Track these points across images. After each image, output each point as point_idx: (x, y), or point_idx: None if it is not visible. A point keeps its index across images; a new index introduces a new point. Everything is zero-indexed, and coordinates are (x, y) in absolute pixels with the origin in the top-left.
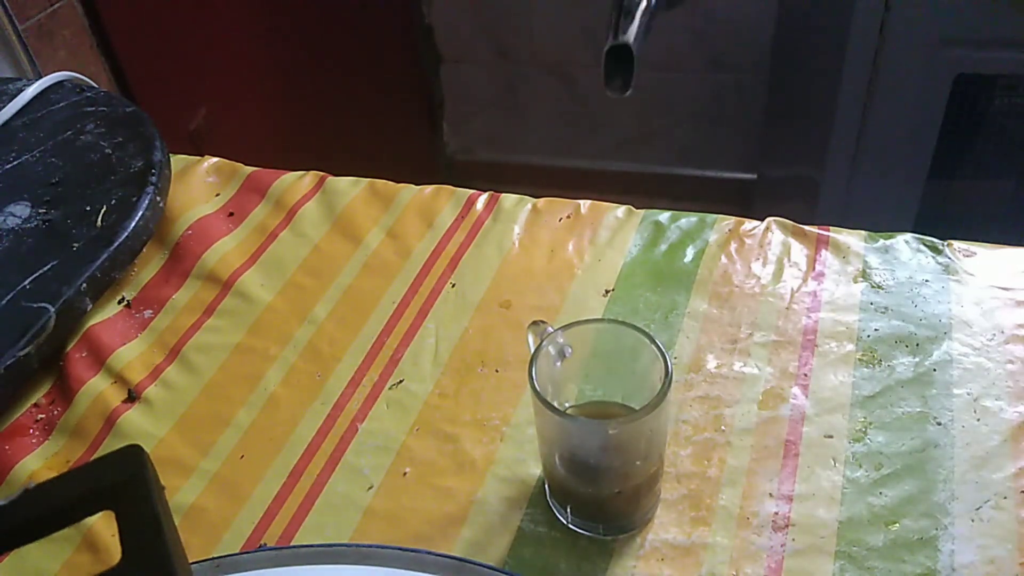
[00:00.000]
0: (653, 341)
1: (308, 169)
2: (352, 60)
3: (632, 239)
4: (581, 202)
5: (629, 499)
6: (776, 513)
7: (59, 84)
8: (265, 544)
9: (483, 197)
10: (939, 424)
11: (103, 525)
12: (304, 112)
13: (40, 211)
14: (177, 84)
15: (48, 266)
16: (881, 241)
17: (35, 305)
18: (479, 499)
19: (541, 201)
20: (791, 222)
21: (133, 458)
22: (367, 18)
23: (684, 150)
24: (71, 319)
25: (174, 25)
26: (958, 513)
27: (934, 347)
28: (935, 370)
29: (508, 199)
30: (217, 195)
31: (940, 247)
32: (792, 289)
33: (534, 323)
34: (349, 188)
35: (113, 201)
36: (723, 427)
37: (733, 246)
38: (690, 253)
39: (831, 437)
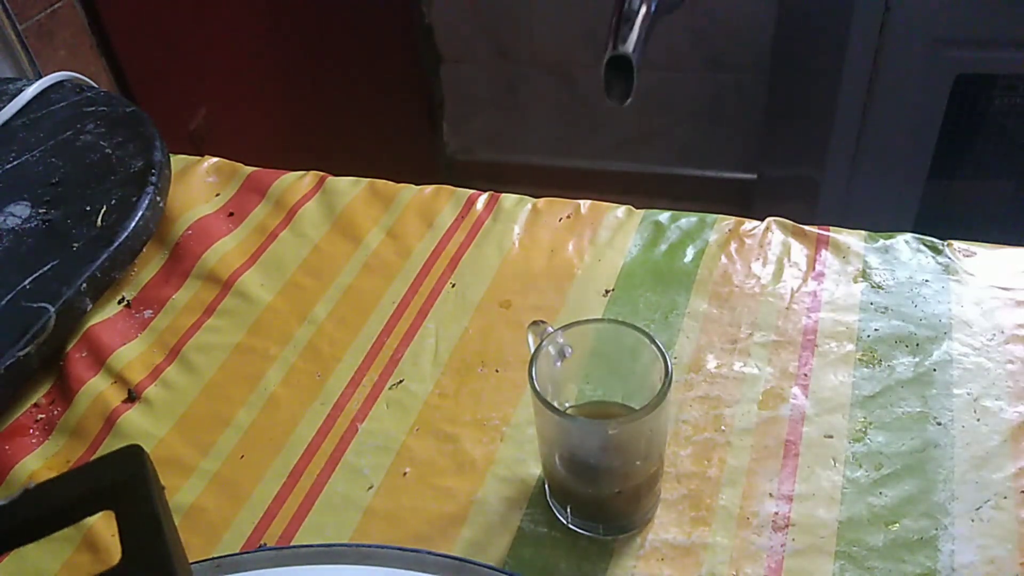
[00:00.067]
0: (653, 341)
1: (308, 169)
2: (352, 60)
3: (632, 239)
4: (581, 202)
5: (629, 499)
6: (776, 513)
7: (59, 84)
8: (265, 544)
9: (483, 197)
10: (939, 424)
11: (103, 525)
12: (304, 112)
13: (40, 211)
14: (177, 84)
15: (48, 266)
16: (881, 241)
17: (35, 305)
18: (479, 499)
19: (541, 201)
20: (791, 222)
21: (133, 458)
22: (367, 18)
23: (684, 150)
24: (71, 319)
25: (174, 25)
26: (958, 513)
27: (934, 347)
28: (935, 370)
29: (508, 199)
30: (217, 195)
31: (940, 247)
32: (792, 289)
33: (534, 323)
34: (349, 188)
35: (113, 201)
36: (723, 427)
37: (733, 246)
38: (690, 253)
39: (831, 437)
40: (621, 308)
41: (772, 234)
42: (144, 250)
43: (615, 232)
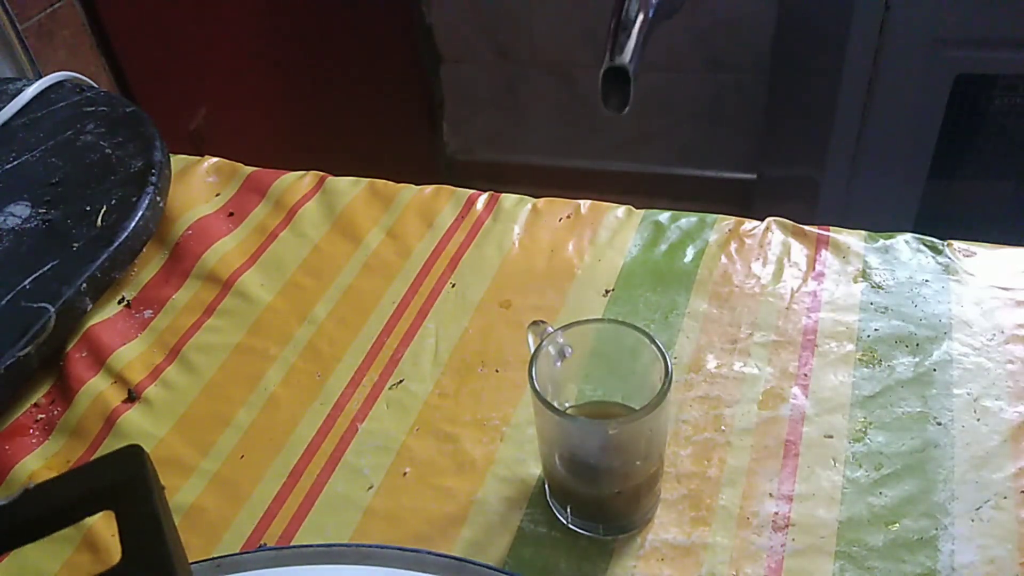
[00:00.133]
0: (653, 341)
1: (308, 169)
2: (352, 60)
3: (632, 239)
4: (581, 202)
5: (629, 499)
6: (776, 513)
7: (59, 84)
8: (265, 544)
9: (483, 197)
10: (939, 424)
11: (103, 525)
12: (304, 112)
13: (40, 211)
14: (177, 84)
15: (48, 266)
16: (881, 241)
17: (35, 305)
18: (479, 499)
19: (541, 201)
20: (791, 222)
21: (133, 458)
22: (367, 18)
23: (684, 150)
24: (71, 319)
25: (174, 25)
26: (958, 513)
27: (934, 347)
28: (935, 370)
29: (508, 199)
30: (217, 195)
31: (940, 247)
32: (792, 289)
33: (534, 323)
34: (349, 188)
35: (113, 201)
36: (723, 427)
37: (733, 246)
38: (690, 253)
39: (831, 437)
40: (621, 308)
41: (772, 234)
42: (144, 250)
43: (615, 232)
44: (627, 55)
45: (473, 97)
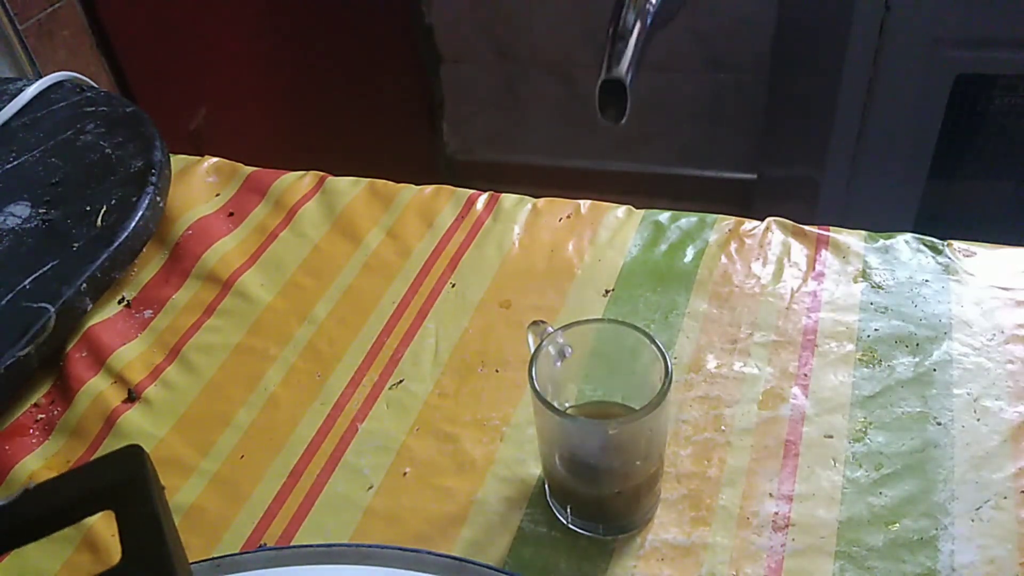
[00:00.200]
0: (653, 341)
1: (308, 169)
2: (352, 60)
3: (632, 239)
4: (581, 202)
5: (629, 499)
6: (776, 513)
7: (59, 84)
8: (265, 544)
9: (483, 197)
10: (939, 424)
11: (103, 525)
12: (304, 112)
13: (40, 211)
14: (177, 84)
15: (48, 266)
16: (881, 241)
17: (35, 305)
18: (479, 499)
19: (541, 201)
20: (791, 222)
21: (133, 458)
22: (367, 18)
23: (684, 150)
24: (71, 319)
25: (174, 25)
26: (958, 513)
27: (934, 347)
28: (935, 370)
29: (508, 199)
30: (217, 195)
31: (940, 247)
32: (792, 289)
33: (534, 323)
34: (349, 188)
35: (113, 201)
36: (723, 427)
37: (733, 246)
38: (690, 253)
39: (831, 437)
40: (621, 308)
41: (772, 234)
42: (144, 250)
43: (615, 232)
44: (623, 67)
45: (473, 97)
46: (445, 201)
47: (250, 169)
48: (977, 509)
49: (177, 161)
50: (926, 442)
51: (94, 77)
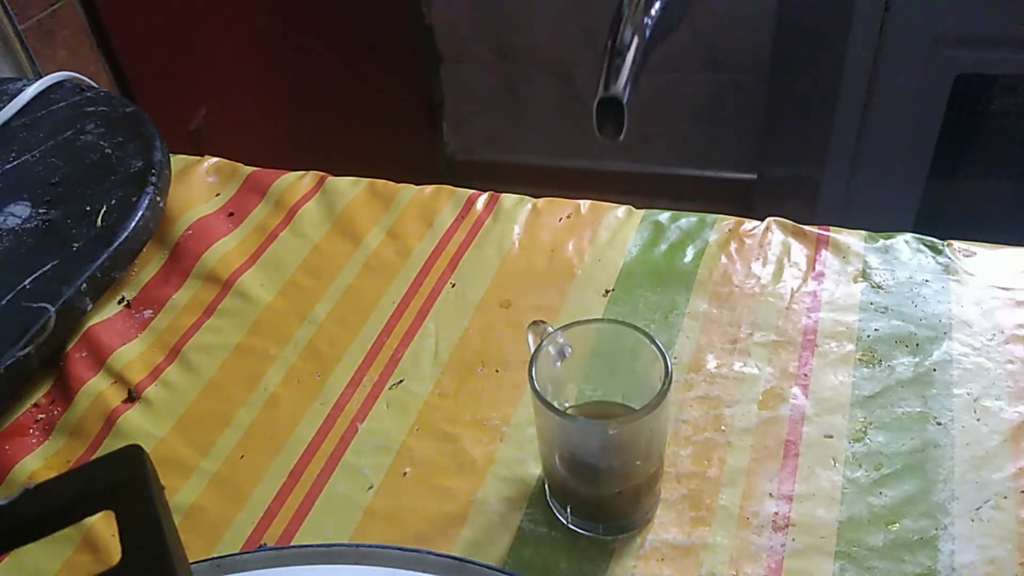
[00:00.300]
0: (653, 341)
1: (308, 169)
2: (352, 60)
3: (632, 239)
4: (581, 202)
5: (629, 499)
6: (776, 513)
7: (59, 84)
8: (265, 544)
9: (483, 197)
10: (939, 424)
11: (103, 525)
12: (304, 112)
13: (40, 211)
14: (177, 84)
15: (48, 266)
16: (881, 241)
17: (35, 305)
18: (479, 499)
19: (541, 201)
20: (791, 222)
21: (133, 458)
22: (367, 18)
23: (684, 150)
24: (71, 319)
25: (174, 25)
26: (958, 513)
27: (934, 347)
28: (935, 370)
29: (508, 199)
30: (217, 195)
31: (940, 247)
32: (792, 289)
33: (534, 323)
34: (349, 188)
35: (113, 201)
36: (723, 427)
37: (733, 246)
38: (690, 253)
39: (831, 437)
40: (621, 308)
41: (772, 234)
42: (144, 250)
43: (615, 232)
44: (620, 84)
45: (473, 97)
46: (445, 201)
47: (250, 169)
48: (977, 509)
49: (177, 161)
50: (926, 442)
51: (94, 77)
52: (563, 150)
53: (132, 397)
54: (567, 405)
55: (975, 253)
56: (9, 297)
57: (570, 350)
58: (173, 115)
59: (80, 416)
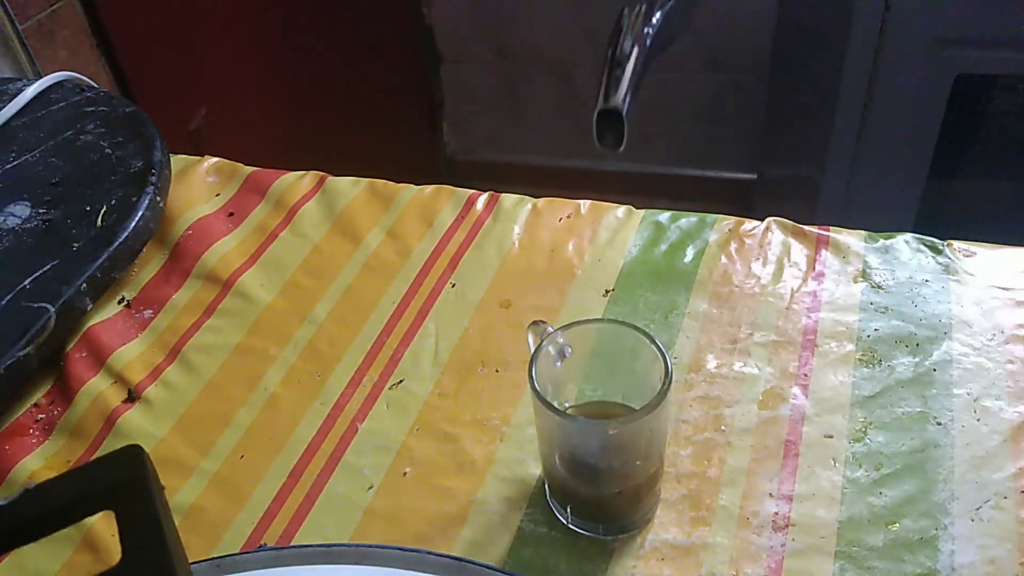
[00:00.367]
0: (653, 341)
1: (308, 169)
2: (352, 60)
3: (632, 239)
4: (581, 202)
5: (629, 499)
6: (776, 513)
7: (59, 84)
8: (265, 544)
9: (483, 197)
10: (939, 424)
11: (103, 525)
12: (304, 112)
13: (40, 211)
14: (177, 84)
15: (48, 266)
16: (881, 241)
17: (35, 305)
18: (479, 499)
19: (541, 201)
20: (791, 222)
21: (133, 458)
22: (367, 18)
23: (684, 150)
24: (71, 319)
25: (174, 25)
26: (958, 513)
27: (934, 347)
28: (935, 370)
29: (508, 199)
30: (217, 195)
31: (940, 247)
32: (792, 289)
33: (534, 323)
34: (349, 188)
35: (113, 201)
36: (723, 427)
37: (733, 246)
38: (690, 253)
39: (831, 437)
40: (621, 308)
41: (772, 234)
42: (144, 250)
43: (615, 232)
44: (620, 95)
45: (473, 97)
46: (445, 201)
47: (250, 169)
48: (977, 509)
49: (177, 161)
50: (926, 442)
51: (94, 77)
52: (563, 150)
53: (132, 397)
54: (567, 405)
55: (975, 253)
56: (9, 297)
57: (570, 350)
58: (173, 115)
59: (80, 416)
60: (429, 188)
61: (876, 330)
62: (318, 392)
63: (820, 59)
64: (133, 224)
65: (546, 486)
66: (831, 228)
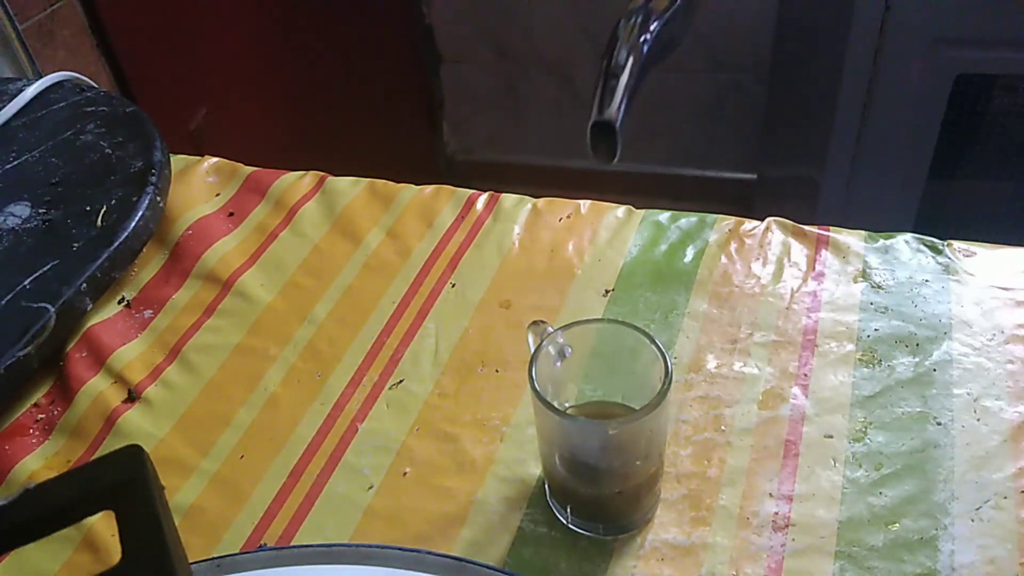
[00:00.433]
0: (653, 341)
1: (308, 169)
2: (352, 60)
3: (632, 239)
4: (581, 202)
5: (629, 499)
6: (776, 513)
7: (59, 84)
8: (265, 544)
9: (483, 197)
10: (939, 424)
11: (103, 525)
12: (304, 112)
13: (40, 211)
14: (177, 84)
15: (48, 266)
16: (881, 241)
17: (35, 305)
18: (479, 499)
19: (541, 201)
20: (791, 222)
21: (133, 458)
22: (367, 18)
23: (684, 150)
24: (71, 319)
25: (174, 25)
26: (958, 513)
27: (934, 347)
28: (935, 370)
29: (508, 199)
30: (217, 195)
31: (940, 247)
32: (792, 289)
33: (534, 323)
34: (349, 188)
35: (113, 201)
36: (723, 427)
37: (733, 246)
38: (690, 253)
39: (831, 437)
40: (621, 308)
41: (772, 234)
42: (144, 250)
43: (615, 232)
44: (614, 108)
45: (473, 97)
46: (445, 201)
47: (250, 169)
48: (977, 509)
49: (177, 161)
50: (926, 442)
51: (94, 77)
52: (563, 150)
53: (132, 397)
54: (567, 405)
55: (975, 253)
56: (9, 297)
57: (570, 350)
58: (173, 115)
59: (80, 416)
60: (429, 188)
61: (876, 330)
62: (318, 392)
63: (820, 59)
64: (133, 224)
65: (546, 486)
66: (831, 228)
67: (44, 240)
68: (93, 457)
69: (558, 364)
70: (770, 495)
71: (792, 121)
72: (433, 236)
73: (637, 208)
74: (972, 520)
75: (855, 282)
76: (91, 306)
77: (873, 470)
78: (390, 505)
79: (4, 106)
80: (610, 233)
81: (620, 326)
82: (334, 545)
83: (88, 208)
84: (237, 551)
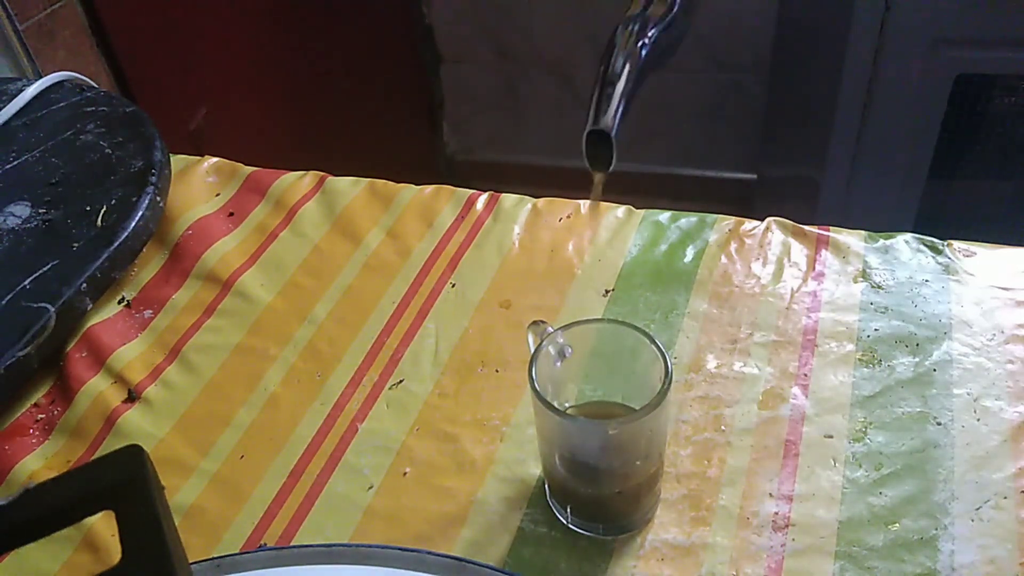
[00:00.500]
0: (653, 341)
1: (308, 169)
2: (352, 60)
3: (632, 239)
4: (581, 202)
5: (629, 499)
6: (776, 513)
7: (59, 84)
8: (265, 544)
9: (483, 197)
10: (939, 424)
11: (103, 525)
12: (304, 112)
13: (40, 211)
14: (177, 84)
15: (48, 266)
16: (881, 241)
17: (35, 305)
18: (479, 499)
19: (541, 201)
20: (791, 222)
21: (133, 458)
22: (367, 18)
23: (684, 150)
24: (71, 319)
25: (174, 25)
26: (958, 513)
27: (934, 347)
28: (935, 370)
29: (508, 199)
30: (217, 195)
31: (940, 247)
32: (792, 289)
33: (534, 323)
34: (349, 188)
35: (113, 201)
36: (723, 427)
37: (733, 246)
38: (690, 253)
39: (831, 437)
40: (621, 308)
41: (772, 234)
42: (144, 250)
43: (615, 232)
44: (609, 116)
45: (473, 97)
46: (445, 201)
47: (250, 169)
48: (977, 509)
49: (177, 161)
50: (926, 442)
51: (94, 77)
52: (563, 150)
53: (132, 397)
54: (567, 405)
55: (975, 253)
56: (9, 297)
57: (570, 350)
58: (173, 115)
59: (80, 416)
60: (429, 188)
61: (876, 330)
62: (318, 392)
63: (820, 59)
64: (133, 224)
65: (546, 486)
66: (831, 228)
67: (44, 240)
68: (93, 457)
69: (558, 364)
70: (770, 495)
71: (792, 121)
72: (433, 236)
73: (637, 208)
74: (972, 520)
75: (855, 282)
76: (91, 306)
77: (873, 470)
78: (390, 505)
79: (4, 106)
80: (610, 233)
81: (620, 326)
82: (334, 545)
83: (88, 208)
84: (237, 551)
